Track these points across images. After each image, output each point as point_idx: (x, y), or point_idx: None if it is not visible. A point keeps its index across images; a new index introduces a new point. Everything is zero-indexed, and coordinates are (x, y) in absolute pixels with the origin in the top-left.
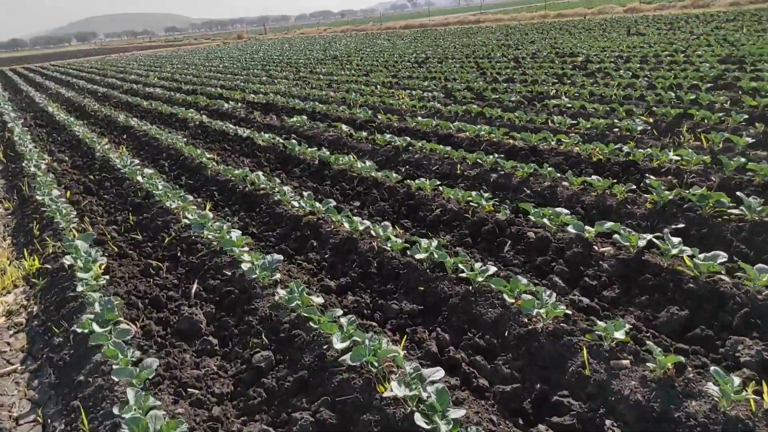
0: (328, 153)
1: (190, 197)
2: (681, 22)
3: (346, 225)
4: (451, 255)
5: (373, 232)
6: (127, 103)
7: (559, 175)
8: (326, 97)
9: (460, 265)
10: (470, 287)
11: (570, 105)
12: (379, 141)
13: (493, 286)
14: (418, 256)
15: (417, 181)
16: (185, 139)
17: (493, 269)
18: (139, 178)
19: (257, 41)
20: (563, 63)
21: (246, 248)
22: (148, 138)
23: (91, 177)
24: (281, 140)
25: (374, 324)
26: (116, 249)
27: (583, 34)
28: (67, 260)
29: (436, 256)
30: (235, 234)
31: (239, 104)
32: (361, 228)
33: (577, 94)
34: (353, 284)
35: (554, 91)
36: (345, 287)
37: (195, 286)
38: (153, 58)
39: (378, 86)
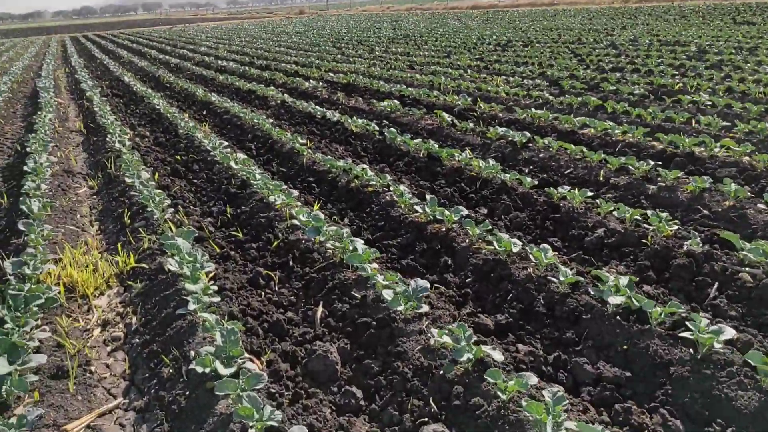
0: (436, 146)
1: (294, 191)
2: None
3: (495, 244)
4: (649, 299)
5: (531, 256)
6: (201, 76)
7: (750, 194)
8: (411, 80)
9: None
10: (697, 353)
11: (710, 102)
12: (491, 134)
13: (734, 358)
14: (612, 300)
15: (559, 190)
16: (270, 120)
17: (730, 332)
18: (233, 163)
19: (320, 17)
20: (673, 52)
21: (375, 264)
22: (230, 116)
23: (178, 158)
24: (376, 127)
25: (561, 390)
26: (218, 249)
27: (679, 21)
28: (171, 265)
29: (635, 302)
30: (360, 245)
31: (319, 83)
32: (515, 249)
33: (710, 89)
34: (514, 324)
35: (680, 84)
36: (505, 328)
37: (320, 310)
38: (219, 30)
39: (467, 70)
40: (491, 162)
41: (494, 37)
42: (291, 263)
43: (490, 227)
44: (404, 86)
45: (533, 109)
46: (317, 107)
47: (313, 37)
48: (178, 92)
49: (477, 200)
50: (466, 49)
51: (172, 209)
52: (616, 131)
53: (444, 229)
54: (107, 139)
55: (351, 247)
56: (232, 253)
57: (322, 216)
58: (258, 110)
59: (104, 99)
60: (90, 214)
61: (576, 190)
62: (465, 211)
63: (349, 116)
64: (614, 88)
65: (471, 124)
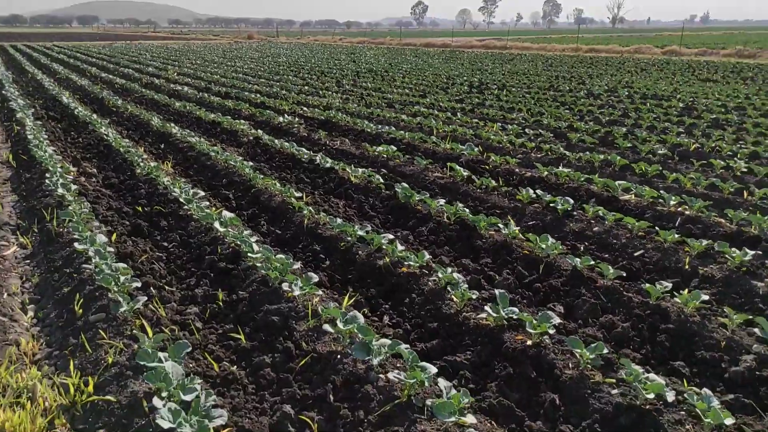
0: (463, 208)
1: (313, 276)
2: (742, 71)
3: (624, 376)
4: None
5: (684, 404)
6: (153, 101)
7: None
8: (397, 121)
9: None
10: None
11: (745, 168)
12: (522, 197)
13: None
14: None
15: (657, 285)
16: (249, 163)
17: None
18: (218, 225)
19: (270, 43)
20: (659, 107)
21: (467, 406)
22: (196, 153)
23: (139, 209)
24: (380, 179)
25: None
26: (216, 366)
27: (640, 73)
28: (162, 417)
29: None
30: (444, 385)
31: (294, 118)
32: (666, 396)
33: (731, 152)
34: None
35: (696, 144)
36: None
37: None
38: (164, 50)
39: (456, 113)
40: (550, 241)
41: (464, 78)
42: (332, 399)
43: (605, 350)
44: (391, 128)
45: (559, 167)
46: (301, 148)
47: (269, 65)
48: (127, 119)
49: (544, 292)
50: (440, 88)
51: (144, 296)
52: (671, 202)
53: (530, 343)
54: (45, 178)
55: (425, 381)
56: (237, 372)
57: (361, 318)
58: (227, 146)
59: (39, 123)
60: (22, 290)
61: (685, 292)
62: (556, 319)
63: (340, 161)
64: (630, 145)
65: (492, 182)
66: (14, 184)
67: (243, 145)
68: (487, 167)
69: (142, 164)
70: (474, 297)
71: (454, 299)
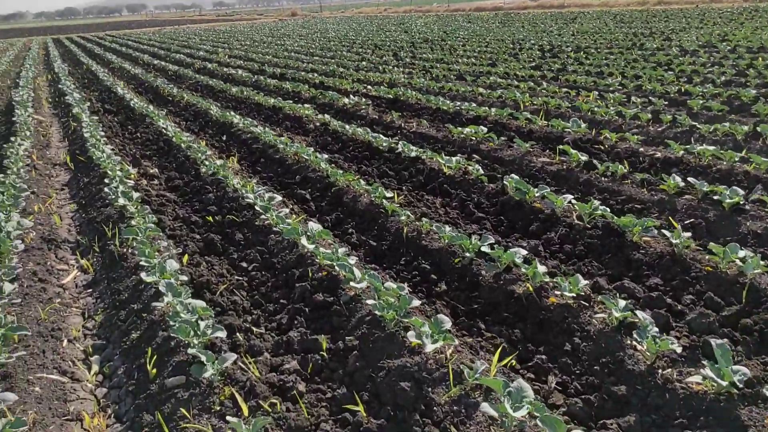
0: (608, 210)
1: (444, 320)
2: None
3: None
4: None
5: None
6: (207, 87)
7: None
8: (473, 95)
9: None
10: None
11: None
12: (668, 186)
13: None
14: None
15: None
16: (320, 154)
17: None
18: (304, 240)
19: (315, 19)
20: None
21: None
22: (262, 146)
23: (210, 218)
24: (480, 170)
25: None
26: None
27: (729, 24)
28: None
29: None
30: None
31: (361, 99)
32: None
33: None
34: None
35: None
36: None
37: None
38: (212, 33)
39: (540, 82)
40: (741, 252)
41: (531, 41)
42: None
43: None
44: (470, 104)
45: (693, 143)
46: (377, 135)
47: (319, 41)
48: (184, 108)
49: (760, 332)
50: (509, 55)
51: (230, 353)
52: None
53: None
54: (104, 183)
55: None
56: None
57: (529, 390)
58: (293, 135)
59: (94, 117)
60: (84, 333)
61: None
62: None
63: (423, 148)
64: None
65: (620, 167)
66: (73, 190)
67: (310, 132)
68: (602, 147)
69: (206, 162)
70: (672, 346)
71: (640, 348)
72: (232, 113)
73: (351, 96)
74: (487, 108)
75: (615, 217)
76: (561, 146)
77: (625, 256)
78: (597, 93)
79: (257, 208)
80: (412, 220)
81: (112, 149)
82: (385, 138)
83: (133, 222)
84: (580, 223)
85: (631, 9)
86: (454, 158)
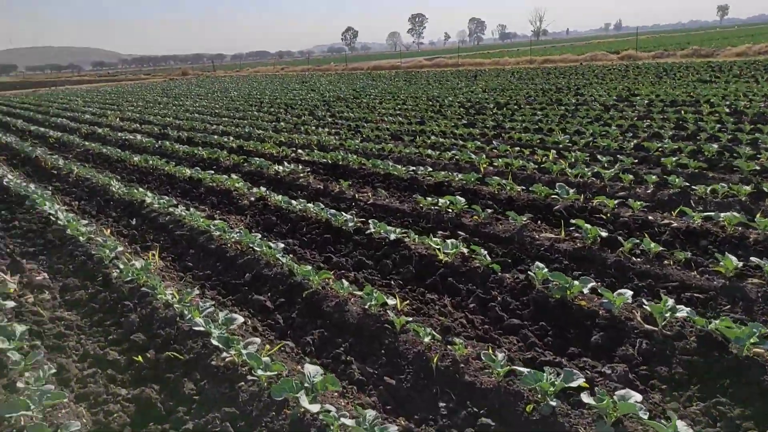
0: (695, 317)
1: None
2: (730, 69)
3: None
4: None
5: None
6: (102, 156)
7: None
8: (421, 157)
9: None
10: None
11: None
12: (724, 267)
13: None
14: None
15: None
16: (271, 241)
17: None
18: (305, 400)
19: (209, 78)
20: (711, 115)
21: None
22: (189, 232)
23: (140, 358)
24: (486, 256)
25: None
26: None
27: (624, 80)
28: None
29: None
30: None
31: (298, 166)
32: None
33: None
34: None
35: None
36: None
37: None
38: (96, 93)
39: (490, 141)
40: None
41: (448, 98)
42: None
43: None
44: (426, 168)
45: (703, 208)
46: (338, 213)
47: (222, 100)
48: (74, 184)
49: None
50: (433, 112)
51: None
52: None
53: None
54: None
55: None
56: None
57: None
58: (224, 215)
59: None
60: None
61: None
62: None
63: (392, 225)
64: (758, 167)
65: (653, 244)
66: None
67: (245, 210)
68: (604, 216)
69: (119, 264)
70: None
71: None
72: (140, 189)
73: (284, 163)
74: (448, 173)
75: (708, 322)
76: (556, 216)
77: (748, 388)
78: (555, 152)
79: (214, 341)
80: (437, 341)
81: None
82: (347, 216)
83: (19, 384)
84: (653, 328)
85: (522, 67)
86: (449, 241)
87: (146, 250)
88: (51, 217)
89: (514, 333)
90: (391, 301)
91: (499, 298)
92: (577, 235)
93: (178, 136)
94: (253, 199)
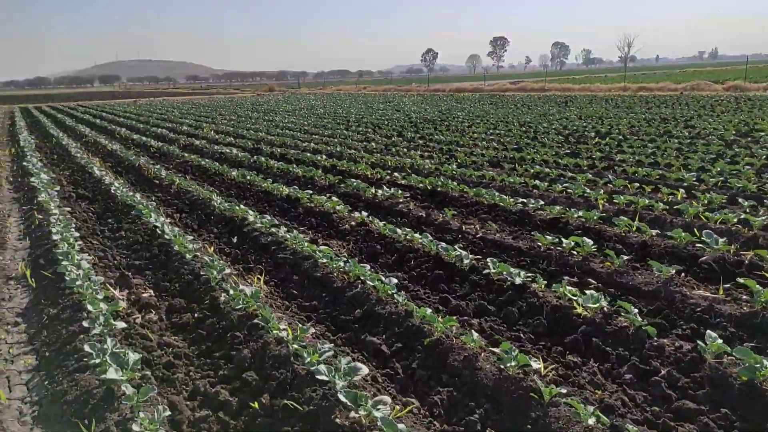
0: None
1: None
2: None
3: None
4: None
5: None
6: (200, 169)
7: None
8: (527, 188)
9: None
10: None
11: None
12: None
13: None
14: None
15: None
16: (383, 275)
17: None
18: None
19: (296, 95)
20: None
21: None
22: (292, 256)
23: (256, 404)
24: (636, 317)
25: None
26: None
27: (736, 113)
28: None
29: None
30: None
31: (397, 190)
32: None
33: None
34: None
35: None
36: None
37: None
38: (190, 105)
39: (599, 175)
40: None
41: (542, 125)
42: None
43: None
44: (537, 201)
45: None
46: (443, 244)
47: (310, 118)
48: (175, 195)
49: None
50: (530, 139)
51: None
52: None
53: None
54: (80, 325)
55: None
56: None
57: None
58: (325, 238)
59: (66, 208)
60: None
61: None
62: None
63: (509, 265)
64: None
65: None
66: (32, 328)
67: (347, 235)
68: (765, 274)
69: (228, 288)
70: None
71: None
72: (242, 206)
73: (384, 186)
74: (562, 207)
75: None
76: (702, 269)
77: None
78: (683, 191)
79: (341, 396)
80: (604, 426)
81: (90, 259)
82: (453, 248)
83: (134, 427)
84: None
85: (614, 94)
86: (588, 292)
87: (249, 272)
88: (156, 229)
89: (690, 420)
90: (535, 364)
91: (662, 372)
92: (740, 296)
93: (271, 152)
94: (354, 223)
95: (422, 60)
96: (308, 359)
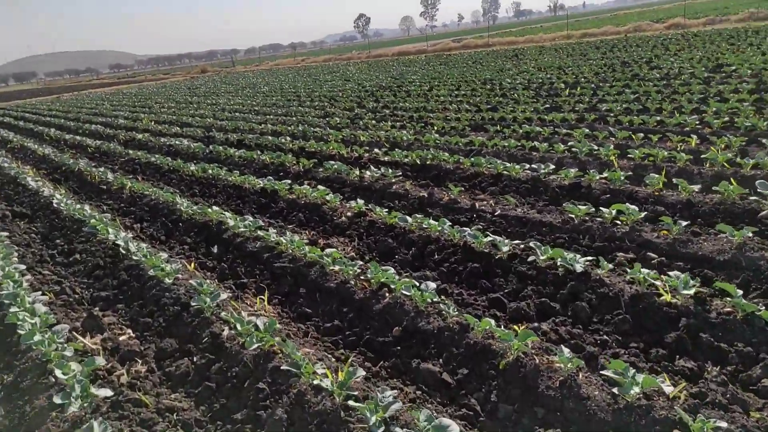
0: None
1: None
2: None
3: None
4: None
5: None
6: (150, 166)
7: None
8: (520, 151)
9: None
10: None
11: None
12: None
13: None
14: None
15: None
16: (422, 279)
17: None
18: None
19: (232, 74)
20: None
21: None
22: (290, 263)
23: None
24: (746, 306)
25: None
26: None
27: (692, 49)
28: None
29: None
30: None
31: (388, 170)
32: None
33: None
34: None
35: None
36: None
37: None
38: (120, 96)
39: (598, 128)
40: None
41: (507, 81)
42: None
43: None
44: (546, 165)
45: None
46: (477, 231)
47: (256, 97)
48: (129, 201)
49: None
50: (499, 97)
51: None
52: None
53: None
54: (52, 401)
55: None
56: None
57: None
58: (319, 234)
59: (1, 230)
60: None
61: None
62: None
63: (544, 244)
64: None
65: None
66: None
67: (345, 229)
68: None
69: (223, 313)
70: None
71: None
72: (214, 207)
73: (371, 167)
74: (577, 170)
75: None
76: (764, 225)
77: None
78: (696, 138)
79: None
80: None
81: (45, 298)
82: (483, 234)
83: None
84: None
85: (561, 42)
86: (673, 273)
87: (242, 289)
88: (119, 248)
89: None
90: (666, 387)
91: None
92: None
93: (225, 139)
94: (350, 214)
95: (355, 26)
96: (371, 418)
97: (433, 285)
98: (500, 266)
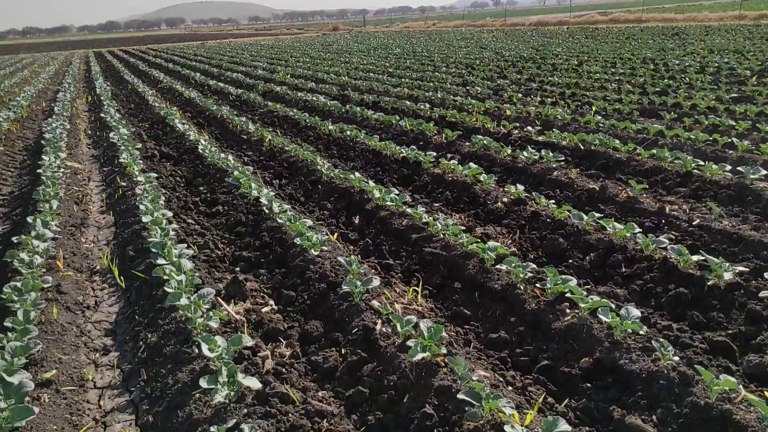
0: None
1: None
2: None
3: None
4: None
5: None
6: (287, 120)
7: None
8: (711, 149)
9: None
10: None
11: None
12: None
13: None
14: None
15: None
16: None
17: None
18: None
19: (363, 33)
20: None
21: None
22: (443, 251)
23: None
24: None
25: None
26: None
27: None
28: None
29: None
30: None
31: (548, 152)
32: None
33: None
34: None
35: None
36: None
37: None
38: (258, 47)
39: None
40: None
41: (675, 62)
42: None
43: None
44: (747, 167)
45: None
46: (651, 235)
47: (388, 58)
48: (269, 155)
49: None
50: (676, 81)
51: None
52: None
53: None
54: (197, 382)
55: None
56: None
57: None
58: (470, 219)
59: (149, 169)
60: None
61: None
62: None
63: None
64: None
65: None
66: (126, 363)
67: (501, 218)
68: None
69: (375, 303)
70: None
71: None
72: (357, 174)
73: (529, 147)
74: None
75: None
76: None
77: None
78: None
79: None
80: None
81: (189, 252)
82: (682, 248)
83: None
84: None
85: (729, 23)
86: None
87: (387, 271)
88: (262, 206)
89: None
90: None
91: None
92: None
93: (360, 99)
94: (506, 200)
95: None
96: None
97: (636, 312)
98: (716, 297)
